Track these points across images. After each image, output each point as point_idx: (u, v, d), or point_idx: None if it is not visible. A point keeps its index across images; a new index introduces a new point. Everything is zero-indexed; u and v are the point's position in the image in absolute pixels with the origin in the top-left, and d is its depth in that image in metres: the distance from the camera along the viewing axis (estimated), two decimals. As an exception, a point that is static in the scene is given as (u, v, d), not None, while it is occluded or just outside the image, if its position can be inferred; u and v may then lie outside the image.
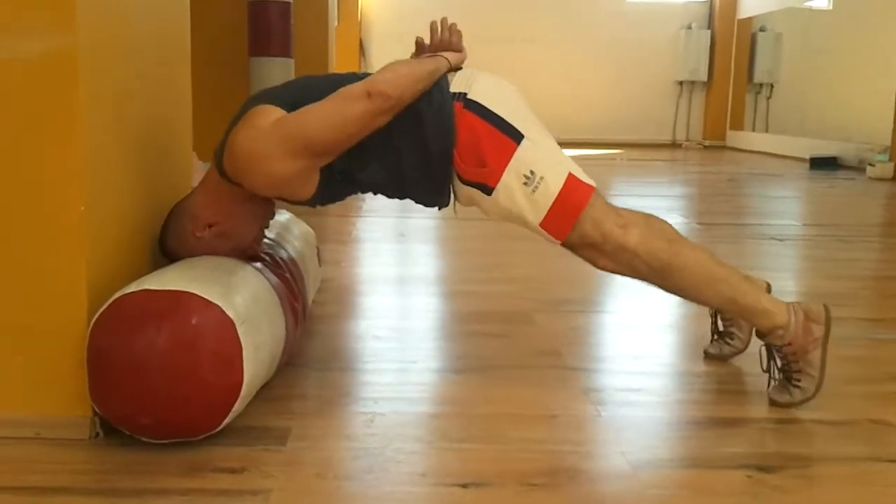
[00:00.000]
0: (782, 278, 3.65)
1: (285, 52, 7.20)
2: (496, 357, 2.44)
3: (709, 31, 13.45)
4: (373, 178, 2.04)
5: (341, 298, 3.13)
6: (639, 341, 2.70)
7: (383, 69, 1.96)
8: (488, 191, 1.98)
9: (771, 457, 1.77)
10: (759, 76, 13.21)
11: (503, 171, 1.96)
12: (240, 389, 1.73)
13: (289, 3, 6.98)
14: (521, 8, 13.04)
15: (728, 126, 13.47)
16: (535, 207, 1.97)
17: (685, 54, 13.36)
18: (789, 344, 2.02)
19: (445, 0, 13.01)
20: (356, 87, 1.89)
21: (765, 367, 2.11)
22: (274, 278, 2.09)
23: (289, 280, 2.19)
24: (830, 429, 1.94)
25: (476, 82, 2.03)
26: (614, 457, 1.79)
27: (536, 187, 1.96)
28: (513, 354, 2.46)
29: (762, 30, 13.19)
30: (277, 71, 7.18)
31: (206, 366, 1.69)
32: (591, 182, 2.03)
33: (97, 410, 1.74)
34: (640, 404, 2.11)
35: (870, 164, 8.55)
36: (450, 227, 4.75)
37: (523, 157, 1.96)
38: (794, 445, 1.86)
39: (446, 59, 2.08)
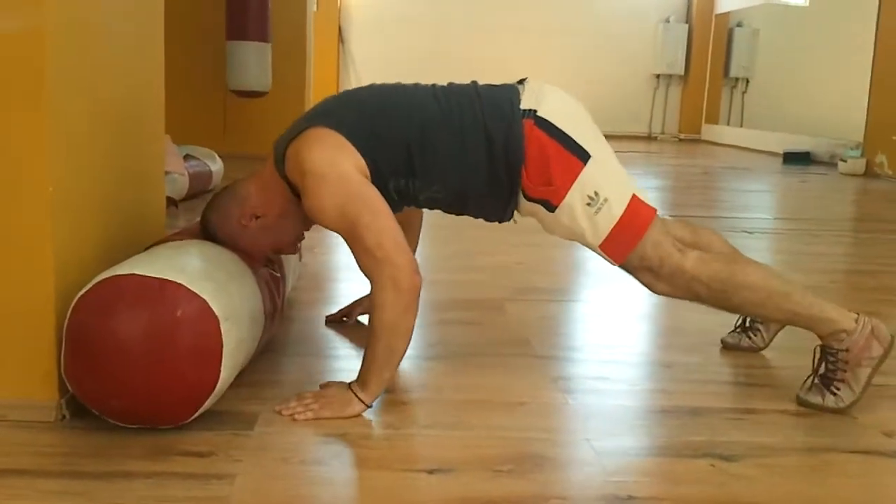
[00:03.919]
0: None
1: (262, 37, 7.17)
2: (466, 345, 2.45)
3: (686, 25, 13.50)
4: (433, 197, 2.06)
5: (316, 284, 3.13)
6: (609, 330, 2.72)
7: (405, 327, 1.90)
8: (551, 208, 1.99)
9: (734, 446, 1.79)
10: (735, 71, 13.29)
11: (568, 190, 1.97)
12: (215, 386, 1.73)
13: (266, -13, 6.95)
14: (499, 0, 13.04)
15: (703, 120, 13.54)
16: (597, 228, 1.99)
17: (662, 48, 13.41)
18: (846, 350, 1.98)
19: (424, -12, 13.07)
20: (402, 265, 1.85)
21: (815, 366, 2.05)
22: (261, 273, 2.09)
23: (274, 273, 2.20)
24: (793, 419, 1.97)
25: (545, 99, 2.02)
26: (580, 444, 1.80)
27: (599, 209, 1.97)
28: (483, 342, 2.47)
29: (739, 25, 13.27)
30: (254, 56, 7.14)
31: (185, 359, 1.68)
32: (653, 205, 2.04)
33: (70, 387, 1.73)
34: (608, 393, 2.12)
35: (842, 160, 8.64)
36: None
37: (589, 177, 1.97)
38: (757, 435, 1.88)
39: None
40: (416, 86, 2.10)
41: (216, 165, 5.37)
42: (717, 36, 13.29)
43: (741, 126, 13.09)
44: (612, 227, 1.98)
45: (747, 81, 13.40)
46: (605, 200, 1.97)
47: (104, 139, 2.00)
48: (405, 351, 1.93)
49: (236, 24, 7.09)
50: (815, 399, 2.01)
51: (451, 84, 2.10)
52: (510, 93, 2.04)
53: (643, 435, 1.89)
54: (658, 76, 13.63)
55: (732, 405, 2.05)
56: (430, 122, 1.99)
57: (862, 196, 7.10)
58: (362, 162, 1.93)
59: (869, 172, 8.32)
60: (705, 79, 13.49)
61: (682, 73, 13.58)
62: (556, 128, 1.98)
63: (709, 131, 13.35)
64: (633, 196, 2.01)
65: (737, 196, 6.98)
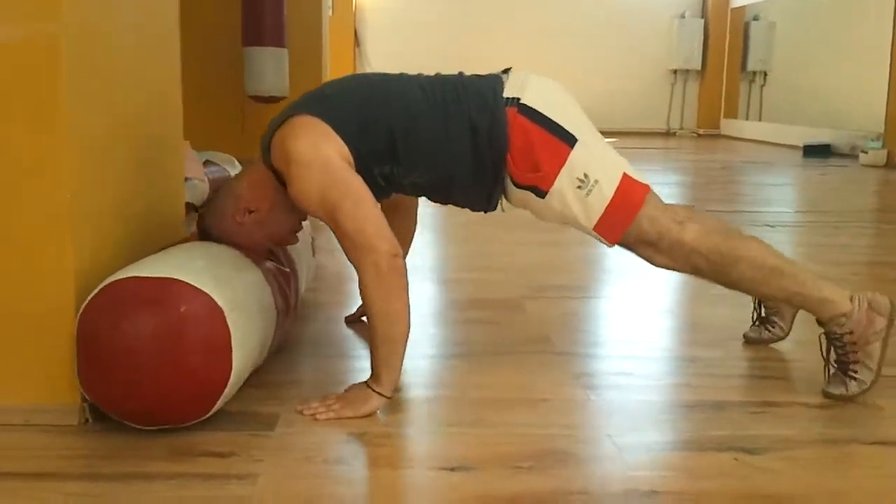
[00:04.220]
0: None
1: (279, 43, 7.19)
2: (487, 343, 2.44)
3: (702, 20, 13.44)
4: (418, 182, 2.06)
5: (335, 286, 3.14)
6: (630, 326, 2.70)
7: (401, 310, 1.90)
8: (542, 194, 1.98)
9: (757, 439, 1.78)
10: (752, 64, 13.19)
11: (557, 174, 1.96)
12: (228, 378, 1.73)
13: (281, -8, 6.97)
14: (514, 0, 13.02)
15: (722, 114, 13.47)
16: (589, 211, 1.98)
17: (679, 43, 13.34)
18: (850, 332, 1.97)
19: (439, -10, 13.08)
20: (383, 250, 1.84)
21: (825, 354, 2.04)
22: (266, 266, 2.09)
23: (281, 267, 2.20)
24: (817, 411, 1.95)
25: (528, 86, 2.02)
26: (602, 440, 1.79)
27: (590, 190, 1.96)
28: (503, 341, 2.47)
29: (755, 18, 13.18)
30: (271, 61, 7.17)
31: (195, 354, 1.69)
32: (645, 181, 2.03)
33: (85, 395, 1.74)
34: (630, 388, 2.12)
35: (862, 152, 8.56)
36: (441, 215, 4.75)
37: (577, 160, 1.96)
38: (780, 428, 1.86)
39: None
40: (402, 75, 2.10)
41: (236, 171, 5.39)
42: (734, 30, 13.21)
43: (760, 120, 13.01)
44: (604, 207, 1.97)
45: (765, 75, 13.30)
46: (596, 182, 1.96)
47: (122, 144, 2.01)
48: (405, 335, 1.92)
49: (253, 30, 7.12)
50: (840, 390, 1.99)
51: (437, 74, 2.10)
52: (494, 82, 2.04)
53: (665, 430, 1.88)
54: (675, 72, 13.57)
55: (754, 399, 2.04)
56: (414, 110, 1.99)
57: (884, 187, 7.03)
58: (346, 149, 1.92)
59: (890, 163, 8.25)
60: (723, 73, 13.41)
61: (699, 68, 13.51)
62: (541, 114, 1.97)
63: (728, 126, 13.27)
64: (624, 175, 2.00)
65: (758, 190, 6.93)
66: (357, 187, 1.90)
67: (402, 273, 1.89)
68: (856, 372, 1.98)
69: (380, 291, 1.87)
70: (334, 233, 1.91)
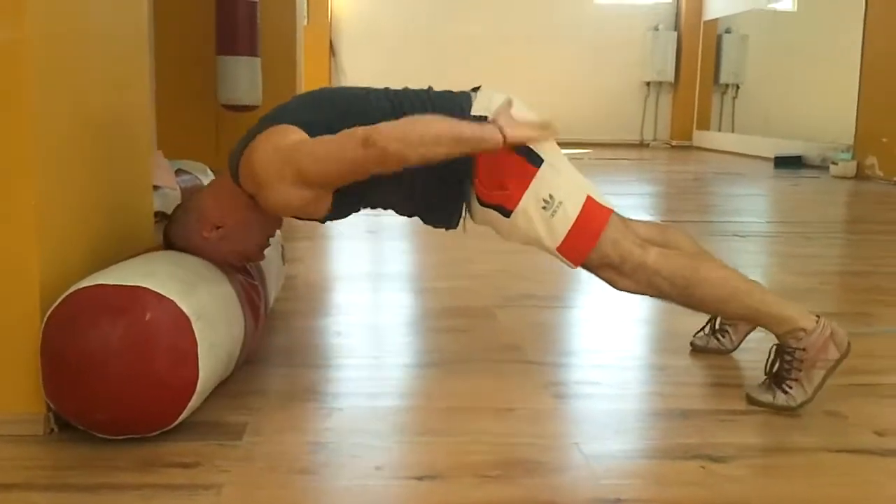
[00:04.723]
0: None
1: (252, 52, 7.17)
2: (457, 352, 2.44)
3: (675, 33, 13.54)
4: (385, 198, 2.06)
5: (307, 295, 3.13)
6: (600, 335, 2.71)
7: (405, 119, 1.87)
8: (507, 213, 1.99)
9: (724, 447, 1.79)
10: (725, 77, 13.32)
11: (522, 194, 1.97)
12: (195, 386, 1.72)
13: (256, 2, 6.94)
14: (489, 9, 13.06)
15: (695, 126, 13.57)
16: (553, 232, 1.99)
17: (652, 55, 13.44)
18: (804, 350, 1.98)
19: (415, 1, 13.10)
20: (359, 131, 1.81)
21: (767, 366, 2.06)
22: (233, 275, 2.08)
23: (249, 276, 2.19)
24: (785, 420, 1.96)
25: (496, 105, 2.01)
26: (570, 448, 1.80)
27: (555, 212, 1.97)
28: (474, 349, 2.47)
29: (728, 31, 13.31)
30: (245, 70, 7.14)
31: (161, 362, 1.68)
32: (609, 204, 2.05)
33: (51, 406, 1.72)
34: (598, 397, 2.12)
35: (833, 163, 8.65)
36: (415, 224, 4.75)
37: (542, 180, 1.97)
38: (747, 436, 1.88)
39: (502, 134, 1.89)
40: (370, 89, 2.09)
41: (208, 179, 5.37)
42: (706, 43, 13.32)
43: (732, 132, 13.12)
44: (568, 229, 1.98)
45: (737, 87, 13.44)
46: (560, 203, 1.98)
47: (89, 152, 1.99)
48: (442, 123, 1.86)
49: (226, 38, 7.09)
50: (766, 397, 2.01)
51: (405, 88, 2.10)
52: (461, 99, 2.05)
53: (633, 438, 1.88)
54: (648, 84, 13.66)
55: (722, 407, 2.04)
56: (383, 120, 1.95)
57: (853, 198, 7.11)
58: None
59: (860, 175, 8.35)
60: (695, 85, 13.51)
61: (673, 80, 13.61)
62: None
63: (700, 137, 13.37)
64: (588, 197, 2.02)
65: (729, 201, 6.99)
66: (299, 137, 1.86)
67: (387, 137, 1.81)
68: (790, 387, 1.99)
69: (396, 133, 1.80)
70: (330, 186, 1.88)
